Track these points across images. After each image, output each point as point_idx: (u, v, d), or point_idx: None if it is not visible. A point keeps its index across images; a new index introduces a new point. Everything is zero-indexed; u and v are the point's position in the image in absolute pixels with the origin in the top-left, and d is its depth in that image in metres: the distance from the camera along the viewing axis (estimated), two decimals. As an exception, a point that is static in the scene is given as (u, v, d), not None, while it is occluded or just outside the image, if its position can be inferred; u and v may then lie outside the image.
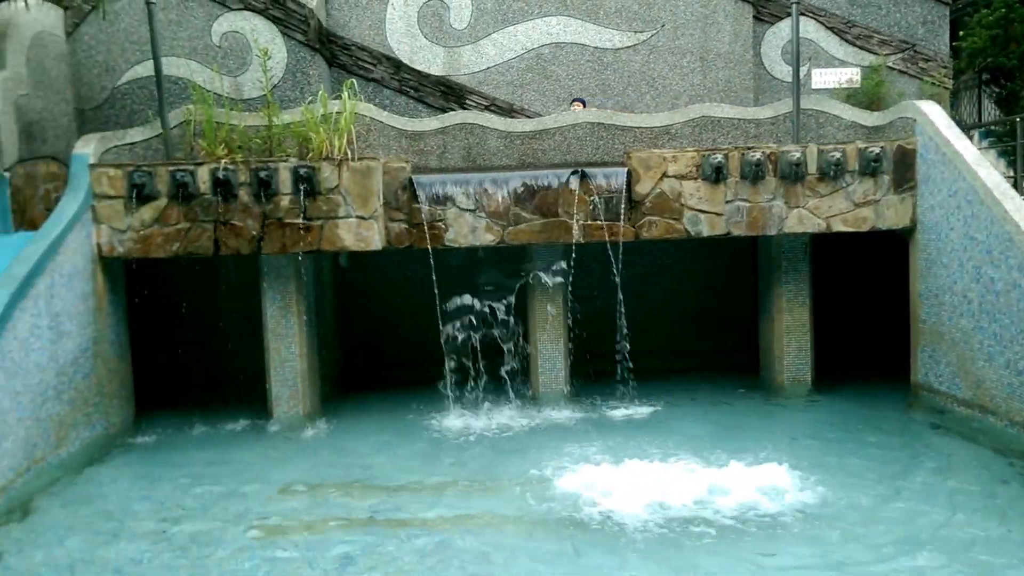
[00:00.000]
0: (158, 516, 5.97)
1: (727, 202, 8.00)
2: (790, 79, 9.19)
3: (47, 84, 8.79)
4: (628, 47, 9.66)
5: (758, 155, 7.91)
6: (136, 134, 8.17)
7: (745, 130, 8.53)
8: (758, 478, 6.20)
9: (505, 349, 8.73)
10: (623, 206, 7.92)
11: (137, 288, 8.29)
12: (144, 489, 6.52)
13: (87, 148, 7.84)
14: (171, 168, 7.63)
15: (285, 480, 6.64)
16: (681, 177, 7.97)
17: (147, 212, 7.66)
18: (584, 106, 9.44)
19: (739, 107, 8.91)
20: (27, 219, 8.24)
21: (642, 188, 7.97)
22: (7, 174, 8.03)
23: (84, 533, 5.69)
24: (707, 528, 5.46)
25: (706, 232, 8.04)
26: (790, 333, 8.67)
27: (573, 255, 8.17)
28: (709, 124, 8.54)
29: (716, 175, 7.91)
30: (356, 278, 9.70)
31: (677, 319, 9.85)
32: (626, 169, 7.96)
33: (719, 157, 7.90)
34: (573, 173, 7.82)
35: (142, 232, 7.67)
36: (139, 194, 7.59)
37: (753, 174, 7.92)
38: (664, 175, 7.96)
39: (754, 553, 5.10)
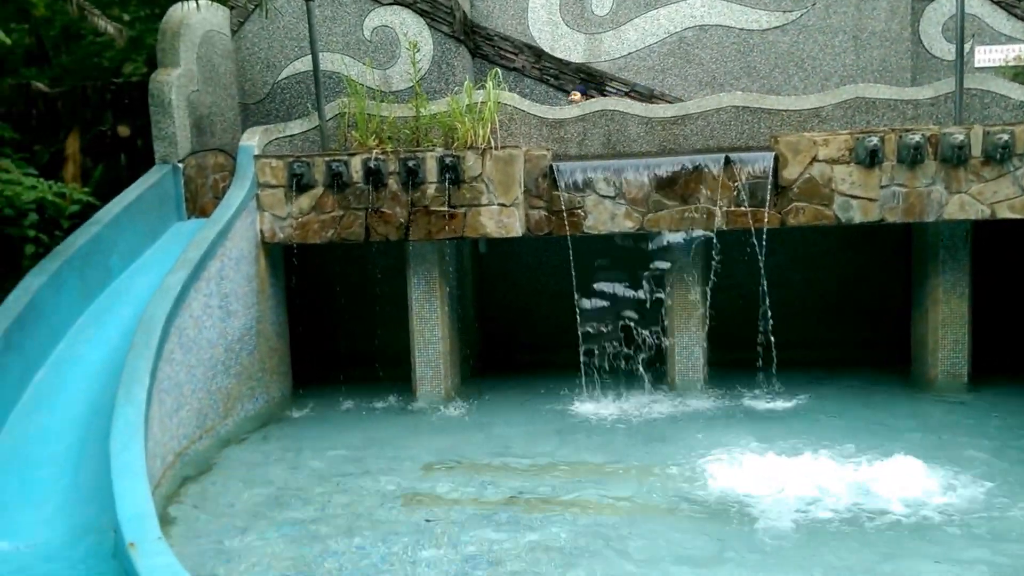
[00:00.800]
0: (315, 484, 6.39)
1: (882, 187, 7.65)
2: (951, 57, 8.65)
3: (215, 80, 9.45)
4: (776, 27, 9.36)
5: (917, 137, 7.52)
6: (295, 126, 8.67)
7: (902, 112, 8.11)
8: (910, 477, 5.96)
9: (642, 336, 8.73)
10: (769, 192, 7.73)
11: (294, 272, 8.82)
12: (301, 458, 6.98)
13: (252, 140, 8.40)
14: (327, 158, 8.06)
15: (430, 456, 6.93)
16: (832, 161, 7.68)
17: (305, 200, 8.13)
18: (583, 95, 9.20)
19: (896, 87, 8.47)
20: (198, 207, 8.92)
21: (789, 173, 7.74)
22: (180, 165, 8.71)
23: (250, 495, 6.17)
24: (855, 527, 5.31)
25: (858, 219, 7.72)
26: (946, 326, 8.20)
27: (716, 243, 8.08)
28: (863, 106, 8.16)
29: (871, 159, 7.57)
30: (494, 264, 9.92)
31: (820, 309, 9.51)
32: (772, 153, 7.76)
33: (875, 140, 7.56)
34: (725, 162, 7.67)
35: (300, 219, 8.15)
36: (298, 183, 8.06)
37: (911, 157, 7.53)
38: (814, 159, 7.70)
39: (907, 554, 4.93)
